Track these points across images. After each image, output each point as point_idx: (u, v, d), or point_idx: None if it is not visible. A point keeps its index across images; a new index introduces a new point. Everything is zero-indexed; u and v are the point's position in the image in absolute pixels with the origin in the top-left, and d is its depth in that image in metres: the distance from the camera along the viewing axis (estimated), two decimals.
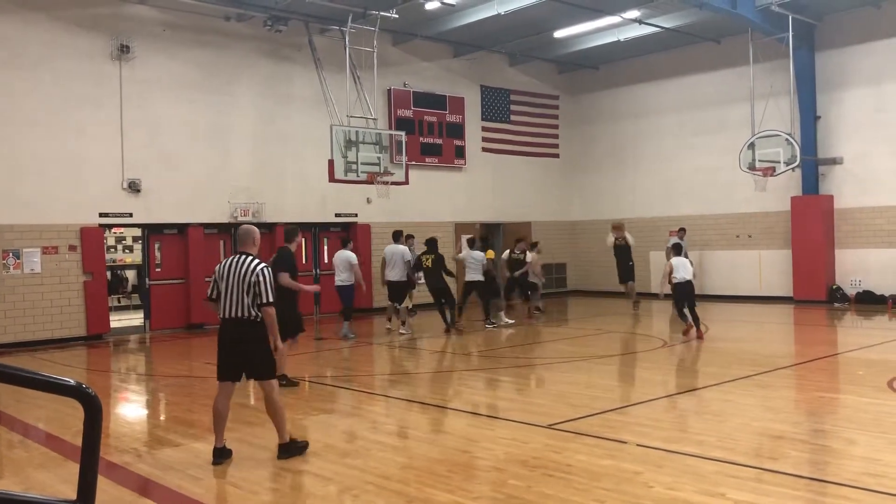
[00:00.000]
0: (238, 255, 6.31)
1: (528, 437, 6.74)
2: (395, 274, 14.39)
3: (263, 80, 17.38)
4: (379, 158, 15.80)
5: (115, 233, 20.38)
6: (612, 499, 5.05)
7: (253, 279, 6.12)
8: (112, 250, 20.74)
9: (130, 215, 15.64)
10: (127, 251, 21.66)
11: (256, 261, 6.23)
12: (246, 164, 17.01)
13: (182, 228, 16.39)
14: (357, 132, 15.61)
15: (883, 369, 9.42)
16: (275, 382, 6.34)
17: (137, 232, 17.25)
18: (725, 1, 16.23)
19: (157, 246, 16.43)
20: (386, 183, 15.99)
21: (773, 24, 17.21)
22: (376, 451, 6.48)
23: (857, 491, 5.08)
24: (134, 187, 15.50)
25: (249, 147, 17.10)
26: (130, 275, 21.39)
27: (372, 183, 15.87)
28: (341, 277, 14.11)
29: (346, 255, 14.08)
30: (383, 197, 16.53)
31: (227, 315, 6.23)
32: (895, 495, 4.92)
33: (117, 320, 16.97)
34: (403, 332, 14.26)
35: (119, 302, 20.66)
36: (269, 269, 6.24)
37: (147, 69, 15.66)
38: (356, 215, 18.55)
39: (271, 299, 6.14)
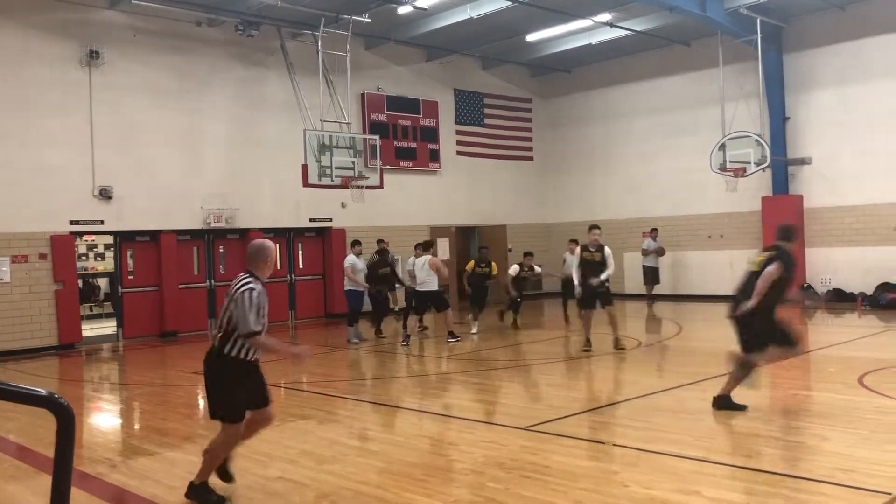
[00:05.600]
0: (243, 273, 5.39)
1: (505, 439, 6.75)
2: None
3: (236, 85, 17.27)
4: (353, 163, 15.78)
5: (86, 240, 20.13)
6: (589, 499, 5.08)
7: (235, 296, 5.23)
8: (83, 258, 20.48)
9: (102, 223, 15.45)
10: (99, 259, 21.41)
11: (246, 279, 5.28)
12: (219, 169, 16.89)
13: (154, 235, 16.23)
14: (331, 136, 15.59)
15: (853, 366, 9.56)
16: (227, 428, 5.35)
17: (109, 239, 17.06)
18: (695, 4, 16.41)
19: (129, 253, 16.26)
20: (360, 187, 15.97)
21: (742, 26, 17.43)
22: (354, 456, 6.46)
23: (830, 486, 5.15)
24: (105, 194, 15.32)
25: (222, 152, 16.99)
26: (102, 283, 21.13)
27: (346, 187, 15.85)
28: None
29: (353, 260, 14.34)
30: (358, 201, 16.49)
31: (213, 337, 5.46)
32: (867, 490, 4.99)
33: (89, 329, 16.75)
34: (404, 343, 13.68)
35: (91, 310, 20.39)
36: (258, 292, 5.22)
37: (118, 75, 15.50)
38: (331, 220, 18.49)
39: (251, 328, 5.12)
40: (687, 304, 18.87)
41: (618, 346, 11.67)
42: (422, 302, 13.99)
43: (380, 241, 15.38)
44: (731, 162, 17.60)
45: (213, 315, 16.87)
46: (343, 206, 18.13)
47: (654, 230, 19.57)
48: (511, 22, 17.86)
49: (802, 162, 18.48)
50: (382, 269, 14.64)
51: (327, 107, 16.12)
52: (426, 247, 14.35)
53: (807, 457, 6.09)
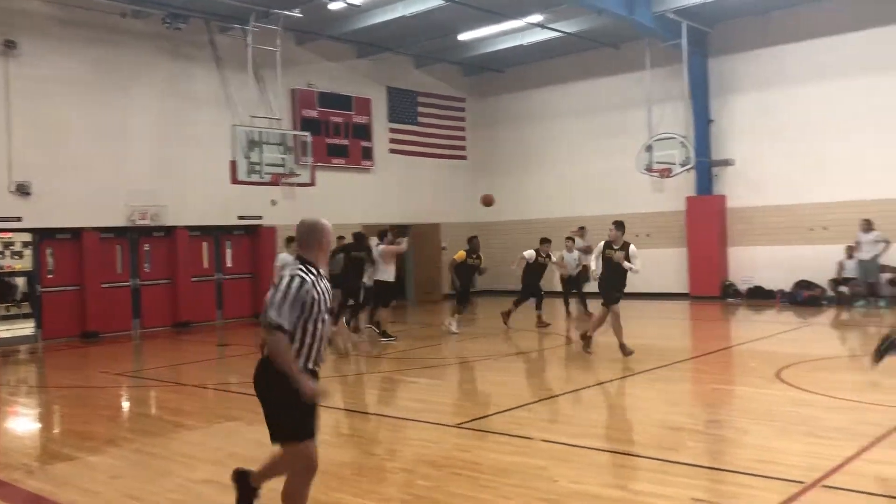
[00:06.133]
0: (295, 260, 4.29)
1: (436, 437, 6.77)
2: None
3: (163, 79, 16.82)
4: (284, 160, 15.58)
5: (1, 238, 19.29)
6: (518, 494, 5.13)
7: (277, 280, 4.21)
8: None
9: (19, 219, 14.85)
10: (16, 257, 20.51)
11: (298, 266, 4.17)
12: (145, 165, 16.42)
13: (76, 233, 15.68)
14: (260, 133, 15.36)
15: (772, 360, 9.90)
16: (294, 449, 4.25)
17: (28, 237, 16.38)
18: (623, 7, 16.74)
19: (49, 252, 15.67)
20: (291, 184, 15.77)
21: (669, 30, 17.87)
22: None
23: (750, 477, 5.32)
24: (23, 190, 14.73)
25: (148, 148, 16.52)
26: (20, 282, 20.27)
27: (276, 184, 15.63)
28: None
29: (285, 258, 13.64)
30: (289, 199, 16.28)
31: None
32: (784, 479, 5.17)
33: (6, 330, 16.04)
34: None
35: (7, 311, 19.54)
36: (306, 284, 4.08)
37: (37, 66, 14.91)
38: (261, 218, 18.19)
39: (277, 320, 4.00)
40: (624, 303, 19.17)
41: (625, 351, 10.57)
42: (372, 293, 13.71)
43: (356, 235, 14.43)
44: (657, 163, 18.03)
45: (137, 315, 16.42)
46: (273, 203, 17.85)
47: (582, 228, 19.89)
48: (443, 21, 17.90)
49: (726, 163, 19.05)
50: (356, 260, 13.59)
51: (257, 102, 15.87)
52: (381, 235, 13.91)
53: (728, 449, 6.28)
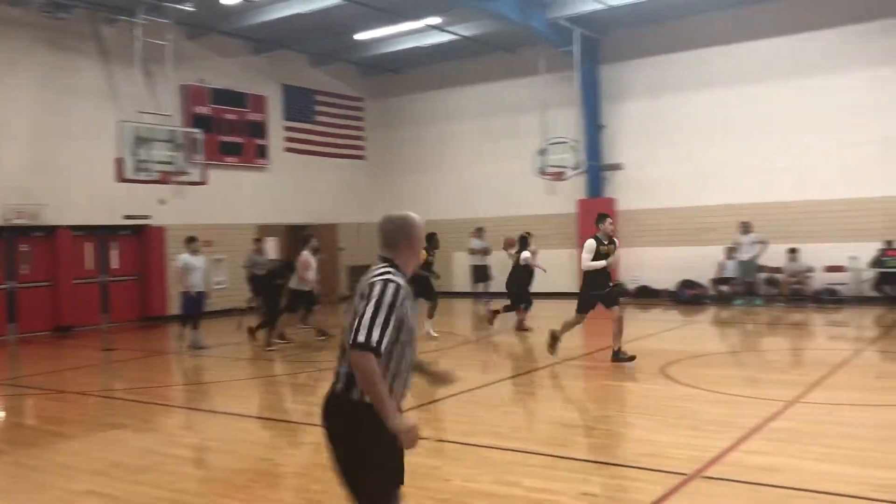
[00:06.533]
0: (378, 263, 3.40)
1: None
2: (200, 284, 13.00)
3: (44, 70, 15.94)
4: (173, 157, 15.06)
5: None
6: (410, 494, 5.11)
7: (363, 293, 3.21)
8: None
9: None
10: None
11: (384, 269, 3.30)
12: (22, 161, 15.50)
13: None
14: (149, 129, 14.79)
15: (657, 357, 10.30)
16: None
17: None
18: (518, 13, 17.06)
19: None
20: (181, 183, 15.27)
21: (562, 37, 18.33)
22: (172, 465, 6.16)
23: (637, 470, 5.53)
24: None
25: (27, 142, 15.62)
26: None
27: (165, 183, 15.10)
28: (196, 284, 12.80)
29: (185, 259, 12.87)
30: (179, 198, 15.75)
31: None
32: (668, 472, 5.39)
33: None
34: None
35: None
36: (402, 292, 3.21)
37: None
38: (149, 217, 17.52)
39: (368, 340, 3.04)
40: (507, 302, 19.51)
41: (618, 357, 9.89)
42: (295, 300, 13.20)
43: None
44: (551, 166, 18.45)
45: (13, 319, 15.52)
46: (162, 202, 17.19)
47: (480, 229, 20.16)
48: (341, 20, 17.75)
49: (616, 167, 19.71)
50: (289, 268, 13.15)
51: (146, 98, 15.29)
52: (304, 240, 13.39)
53: (616, 444, 6.50)
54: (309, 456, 6.19)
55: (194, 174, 15.61)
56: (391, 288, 3.16)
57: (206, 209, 17.96)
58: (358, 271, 22.49)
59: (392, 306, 3.12)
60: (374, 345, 3.03)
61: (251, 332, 13.44)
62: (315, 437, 6.78)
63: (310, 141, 21.68)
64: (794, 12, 17.23)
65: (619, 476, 5.53)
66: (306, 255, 13.06)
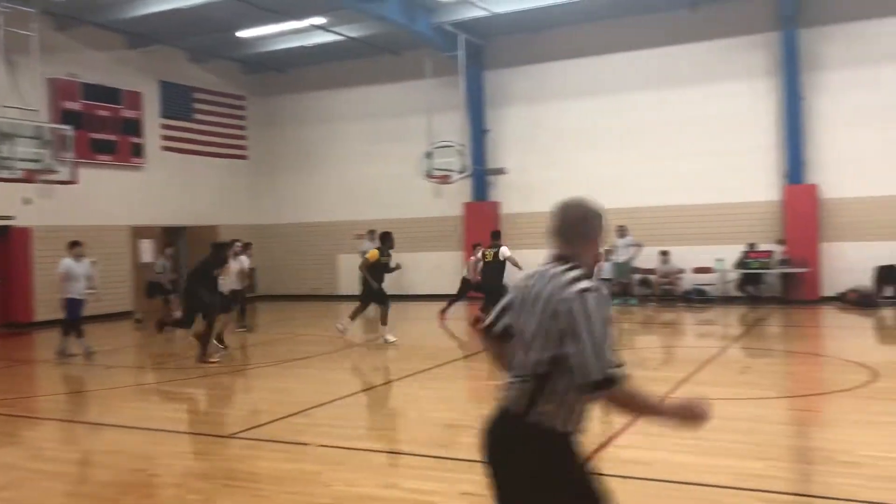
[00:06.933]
0: (550, 264, 2.93)
1: (209, 448, 6.51)
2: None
3: None
4: (40, 154, 14.23)
5: None
6: (293, 501, 5.06)
7: (557, 303, 2.71)
8: None
9: None
10: None
11: (570, 272, 2.80)
12: None
13: None
14: (12, 124, 13.91)
15: None
16: None
17: None
18: (402, 16, 17.13)
19: None
20: (49, 182, 14.45)
21: (447, 41, 18.54)
22: (36, 480, 5.82)
23: None
24: None
25: None
26: None
27: (31, 181, 14.26)
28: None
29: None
30: (46, 197, 14.88)
31: (504, 384, 2.92)
32: None
33: None
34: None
35: None
36: (601, 292, 2.73)
37: None
38: (13, 218, 16.47)
39: (606, 376, 2.60)
40: (403, 304, 19.54)
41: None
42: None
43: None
44: (437, 169, 18.62)
45: None
46: (27, 202, 16.21)
47: (372, 231, 20.14)
48: (221, 16, 17.29)
49: (500, 171, 20.10)
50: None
51: (8, 91, 14.39)
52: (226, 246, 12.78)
53: None
54: (186, 465, 5.99)
55: (63, 173, 14.81)
56: (594, 300, 2.66)
57: (76, 210, 17.05)
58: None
59: (606, 320, 2.65)
60: (613, 376, 2.59)
61: (159, 327, 12.81)
62: (192, 446, 6.57)
63: (189, 140, 20.99)
64: (662, 27, 18.10)
65: None
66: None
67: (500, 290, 13.50)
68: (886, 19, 16.34)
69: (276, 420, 7.44)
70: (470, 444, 6.55)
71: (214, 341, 11.95)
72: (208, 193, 21.31)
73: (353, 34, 18.84)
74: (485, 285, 13.66)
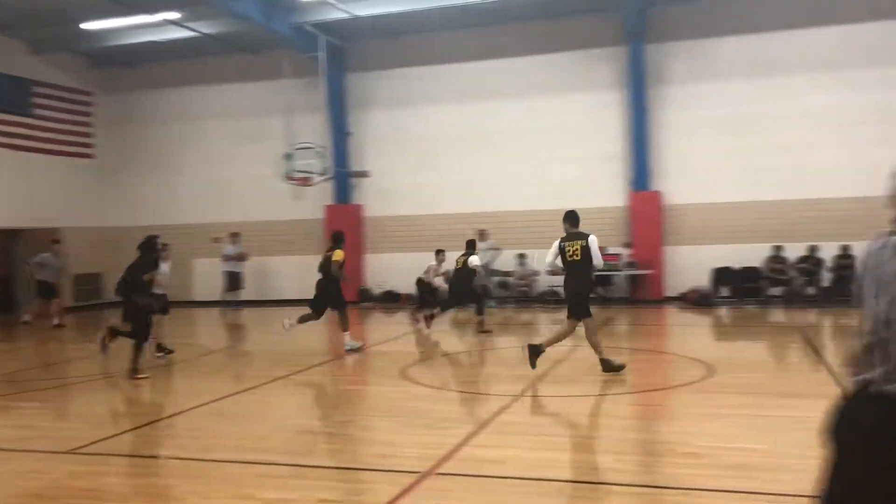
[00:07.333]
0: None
1: (47, 466, 6.09)
2: None
3: None
4: None
5: None
6: None
7: None
8: None
9: None
10: None
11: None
12: None
13: None
14: None
15: (398, 359, 10.64)
16: None
17: None
18: (260, 14, 16.77)
19: None
20: None
21: (308, 42, 18.31)
22: None
23: (373, 473, 5.65)
24: None
25: None
26: None
27: None
28: None
29: None
30: None
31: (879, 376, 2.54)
32: (403, 472, 5.55)
33: None
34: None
35: None
36: None
37: None
38: None
39: None
40: (254, 310, 19.13)
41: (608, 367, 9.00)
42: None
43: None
44: (297, 171, 18.34)
45: None
46: None
47: (236, 234, 19.59)
48: (64, 6, 16.31)
49: (363, 174, 20.05)
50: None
51: None
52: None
53: (354, 447, 6.59)
54: (20, 485, 5.57)
55: None
56: None
57: None
58: (87, 279, 20.83)
59: None
60: None
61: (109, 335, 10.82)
62: (26, 465, 6.13)
63: (27, 136, 19.60)
64: (519, 37, 18.69)
65: (356, 480, 5.62)
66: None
67: (469, 295, 13.71)
68: (725, 38, 17.59)
69: (126, 432, 7.08)
70: (329, 450, 6.52)
71: (156, 349, 11.11)
72: (49, 194, 20.00)
73: (208, 31, 18.25)
74: (454, 290, 13.87)
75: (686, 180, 17.77)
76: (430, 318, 13.57)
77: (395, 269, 19.68)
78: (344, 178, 19.86)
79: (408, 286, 19.17)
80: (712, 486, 5.14)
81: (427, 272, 16.25)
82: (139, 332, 10.00)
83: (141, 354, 9.95)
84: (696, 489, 5.05)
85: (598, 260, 9.34)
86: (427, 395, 8.36)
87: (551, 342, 9.24)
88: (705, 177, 17.65)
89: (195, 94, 21.34)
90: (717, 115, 17.58)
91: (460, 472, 5.53)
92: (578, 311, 9.04)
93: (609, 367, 8.82)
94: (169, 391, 9.81)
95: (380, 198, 19.93)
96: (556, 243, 9.41)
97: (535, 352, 9.07)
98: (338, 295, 11.73)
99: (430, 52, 19.38)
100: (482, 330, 13.51)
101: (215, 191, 21.03)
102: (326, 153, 18.52)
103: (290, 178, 18.34)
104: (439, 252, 15.57)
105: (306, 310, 11.82)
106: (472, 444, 6.25)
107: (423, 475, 5.46)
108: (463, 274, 13.57)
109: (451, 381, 8.97)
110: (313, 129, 18.85)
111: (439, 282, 16.01)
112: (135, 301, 10.05)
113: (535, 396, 8.11)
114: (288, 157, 18.34)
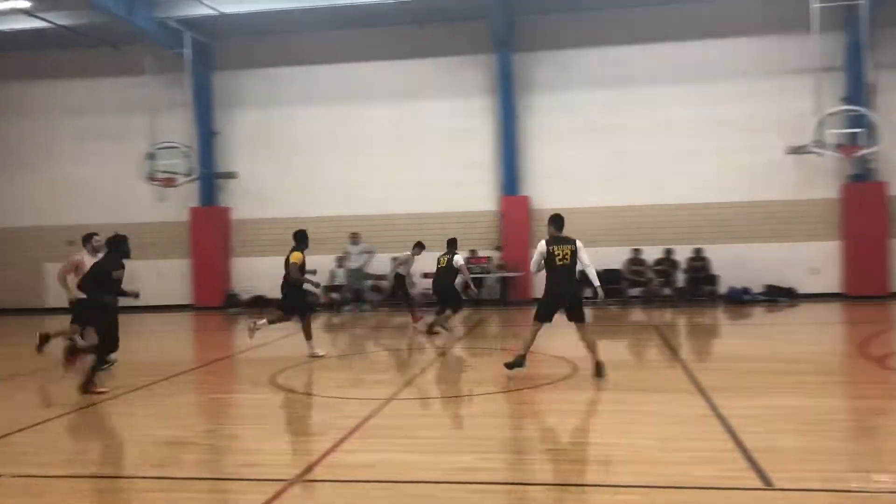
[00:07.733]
0: None
1: None
2: None
3: None
4: None
5: None
6: None
7: None
8: None
9: None
10: None
11: None
12: None
13: None
14: None
15: (268, 366, 10.39)
16: None
17: None
18: (121, 7, 16.03)
19: None
20: None
21: (172, 38, 17.64)
22: None
23: (239, 482, 5.49)
24: None
25: None
26: None
27: None
28: None
29: None
30: None
31: None
32: (270, 480, 5.41)
33: None
34: None
35: None
36: None
37: None
38: None
39: None
40: (126, 317, 18.16)
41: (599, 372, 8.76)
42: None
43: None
44: (160, 172, 17.64)
45: None
46: None
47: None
48: None
49: (230, 175, 19.49)
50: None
51: None
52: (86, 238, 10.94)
53: (219, 457, 6.38)
54: None
55: None
56: None
57: None
58: None
59: None
60: None
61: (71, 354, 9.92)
62: None
63: None
64: (392, 41, 18.78)
65: (221, 490, 5.44)
66: (80, 257, 10.53)
67: (453, 294, 13.35)
68: (590, 49, 18.31)
69: None
70: (192, 460, 6.27)
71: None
72: None
73: (62, 22, 17.25)
74: (437, 289, 13.52)
75: (552, 185, 18.36)
76: (431, 327, 13.39)
77: (263, 273, 19.20)
78: (210, 179, 19.24)
79: (277, 291, 18.80)
80: (576, 480, 5.31)
81: (405, 263, 14.91)
82: (106, 339, 9.07)
83: (100, 364, 9.14)
84: (561, 484, 5.21)
85: (582, 264, 9.38)
86: (296, 402, 8.22)
87: (528, 348, 9.20)
88: (571, 182, 18.29)
89: (49, 88, 20.12)
90: (581, 122, 18.27)
91: (329, 479, 5.46)
92: (578, 315, 9.07)
93: (600, 370, 8.72)
94: (12, 405, 9.15)
95: (248, 200, 19.46)
96: (542, 245, 9.30)
97: (517, 364, 9.02)
98: (296, 299, 11.21)
99: (301, 53, 19.11)
100: (430, 331, 13.35)
101: (71, 190, 19.88)
102: (192, 153, 17.89)
103: (152, 178, 17.63)
104: (420, 245, 14.79)
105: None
106: (342, 449, 6.19)
107: (291, 482, 5.36)
108: (446, 273, 13.36)
109: (323, 387, 8.86)
110: (178, 128, 18.18)
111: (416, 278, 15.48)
112: (99, 300, 9.19)
113: (404, 399, 8.13)
114: (151, 156, 17.62)
